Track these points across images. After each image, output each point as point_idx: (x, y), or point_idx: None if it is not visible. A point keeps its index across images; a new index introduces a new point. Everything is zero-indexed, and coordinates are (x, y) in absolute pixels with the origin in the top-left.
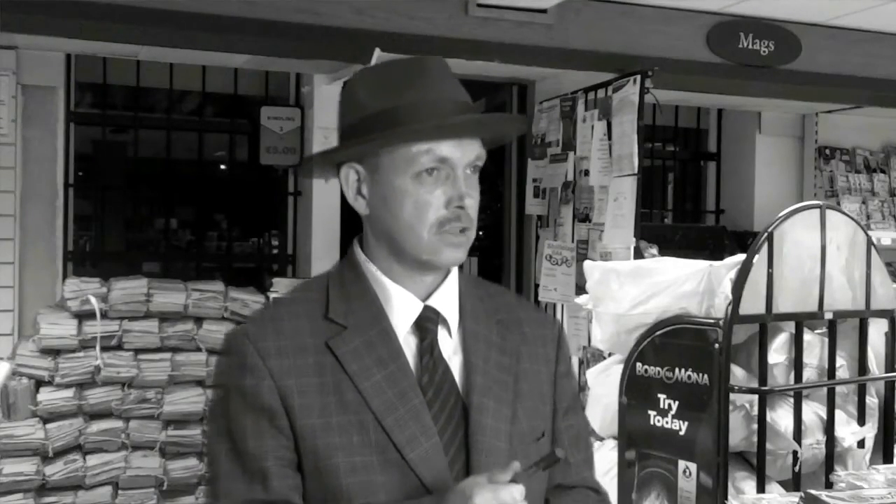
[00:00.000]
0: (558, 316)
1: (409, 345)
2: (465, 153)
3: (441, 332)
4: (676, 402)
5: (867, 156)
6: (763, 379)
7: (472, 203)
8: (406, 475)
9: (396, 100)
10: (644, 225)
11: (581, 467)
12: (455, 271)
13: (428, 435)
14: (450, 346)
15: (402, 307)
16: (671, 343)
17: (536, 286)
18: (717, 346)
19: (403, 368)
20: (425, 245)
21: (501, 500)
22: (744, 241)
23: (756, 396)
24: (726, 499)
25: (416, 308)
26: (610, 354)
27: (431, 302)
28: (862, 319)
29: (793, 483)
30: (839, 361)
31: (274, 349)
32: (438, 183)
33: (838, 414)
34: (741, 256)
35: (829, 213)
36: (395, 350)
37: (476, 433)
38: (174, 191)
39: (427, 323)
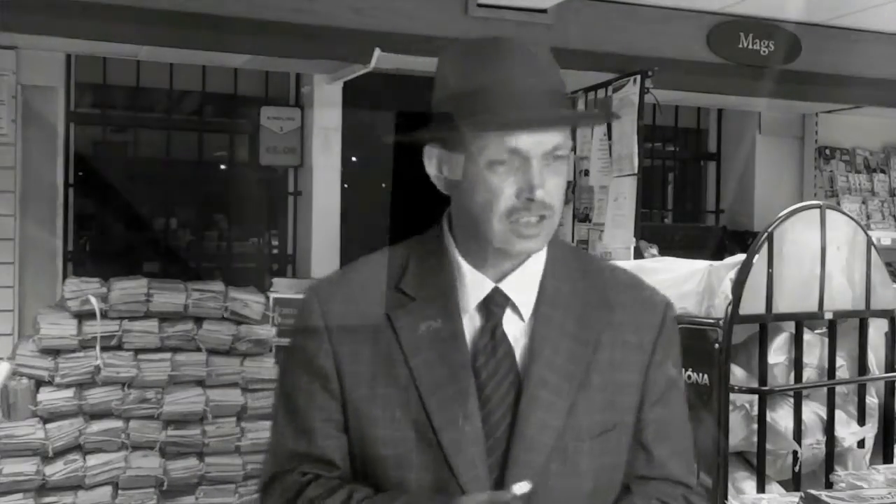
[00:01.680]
0: None
1: (472, 325)
2: (540, 143)
3: (512, 316)
4: None
5: (867, 156)
6: (763, 379)
7: (546, 193)
8: (437, 458)
9: (475, 83)
10: (644, 225)
11: (666, 461)
12: (543, 253)
13: (470, 420)
14: (518, 329)
15: (471, 287)
16: None
17: None
18: (717, 346)
19: (460, 348)
20: (496, 233)
21: None
22: (744, 241)
23: (756, 396)
24: (726, 499)
25: (485, 289)
26: None
27: (503, 285)
28: (862, 319)
29: (793, 483)
30: (839, 361)
31: (339, 313)
32: (511, 172)
33: (838, 414)
34: (741, 256)
35: (829, 213)
36: (455, 329)
37: (521, 425)
38: (174, 191)
39: (493, 306)
